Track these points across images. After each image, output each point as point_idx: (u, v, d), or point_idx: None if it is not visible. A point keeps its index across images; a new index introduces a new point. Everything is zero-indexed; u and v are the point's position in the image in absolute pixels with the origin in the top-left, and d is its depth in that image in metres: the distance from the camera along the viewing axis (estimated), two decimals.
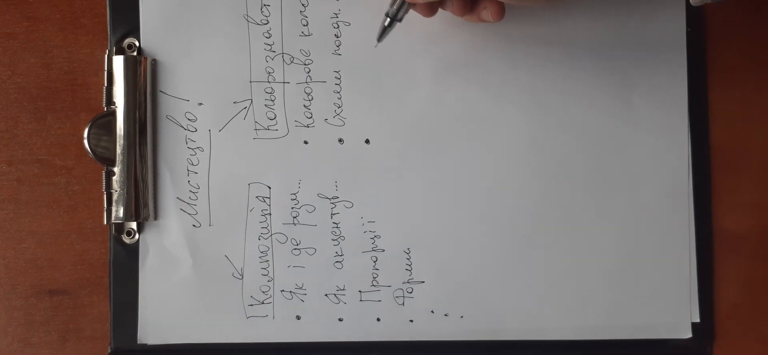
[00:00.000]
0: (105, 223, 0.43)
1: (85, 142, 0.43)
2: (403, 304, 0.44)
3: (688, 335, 0.44)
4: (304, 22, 0.44)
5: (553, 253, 0.44)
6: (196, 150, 0.44)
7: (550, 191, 0.44)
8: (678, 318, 0.44)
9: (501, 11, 0.38)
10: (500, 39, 0.44)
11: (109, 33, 0.44)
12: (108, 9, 0.44)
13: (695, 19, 0.45)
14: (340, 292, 0.44)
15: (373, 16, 0.43)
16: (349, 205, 0.44)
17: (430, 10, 0.39)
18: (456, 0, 0.38)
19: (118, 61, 0.43)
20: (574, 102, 0.44)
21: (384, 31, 0.40)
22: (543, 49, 0.44)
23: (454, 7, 0.38)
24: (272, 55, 0.44)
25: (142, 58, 0.43)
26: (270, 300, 0.44)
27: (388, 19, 0.39)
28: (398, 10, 0.39)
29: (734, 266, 0.45)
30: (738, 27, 0.45)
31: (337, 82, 0.44)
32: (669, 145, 0.44)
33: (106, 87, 0.43)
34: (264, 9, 0.44)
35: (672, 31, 0.45)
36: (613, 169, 0.44)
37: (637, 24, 0.44)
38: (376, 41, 0.40)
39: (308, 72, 0.44)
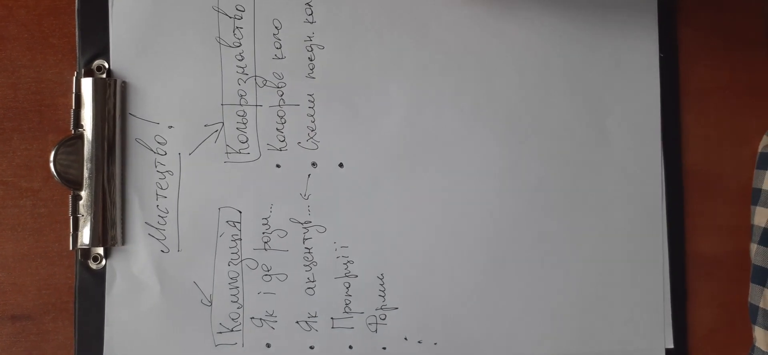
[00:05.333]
0: (71, 248, 0.42)
1: (52, 164, 0.42)
2: (376, 331, 0.43)
3: None
4: (278, 45, 0.43)
5: (526, 279, 0.44)
6: (166, 174, 0.43)
7: (523, 216, 0.44)
8: (652, 344, 0.44)
9: None
10: (474, 63, 0.44)
11: (78, 54, 0.43)
12: (77, 29, 0.43)
13: (668, 45, 0.45)
14: (312, 319, 0.43)
15: (348, 40, 0.43)
16: (322, 230, 0.43)
17: None
18: None
19: (87, 84, 0.42)
20: (547, 127, 0.44)
21: None
22: (517, 73, 0.44)
23: None
24: (245, 77, 0.43)
25: (112, 81, 0.42)
26: (239, 328, 0.43)
27: None
28: None
29: (708, 290, 0.45)
30: (710, 52, 0.46)
31: (311, 105, 0.44)
32: (642, 170, 0.44)
33: (74, 109, 0.42)
34: (237, 31, 0.43)
35: (645, 57, 0.45)
36: (586, 193, 0.44)
37: (611, 50, 0.45)
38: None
39: (281, 95, 0.43)
